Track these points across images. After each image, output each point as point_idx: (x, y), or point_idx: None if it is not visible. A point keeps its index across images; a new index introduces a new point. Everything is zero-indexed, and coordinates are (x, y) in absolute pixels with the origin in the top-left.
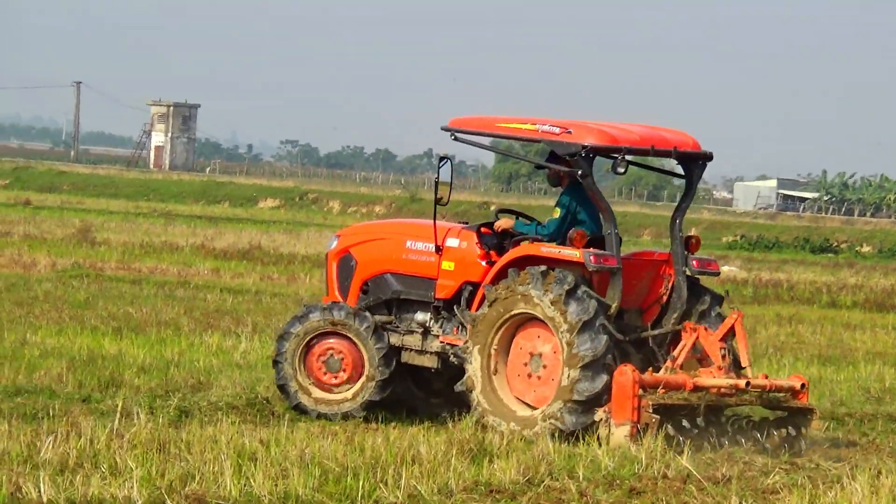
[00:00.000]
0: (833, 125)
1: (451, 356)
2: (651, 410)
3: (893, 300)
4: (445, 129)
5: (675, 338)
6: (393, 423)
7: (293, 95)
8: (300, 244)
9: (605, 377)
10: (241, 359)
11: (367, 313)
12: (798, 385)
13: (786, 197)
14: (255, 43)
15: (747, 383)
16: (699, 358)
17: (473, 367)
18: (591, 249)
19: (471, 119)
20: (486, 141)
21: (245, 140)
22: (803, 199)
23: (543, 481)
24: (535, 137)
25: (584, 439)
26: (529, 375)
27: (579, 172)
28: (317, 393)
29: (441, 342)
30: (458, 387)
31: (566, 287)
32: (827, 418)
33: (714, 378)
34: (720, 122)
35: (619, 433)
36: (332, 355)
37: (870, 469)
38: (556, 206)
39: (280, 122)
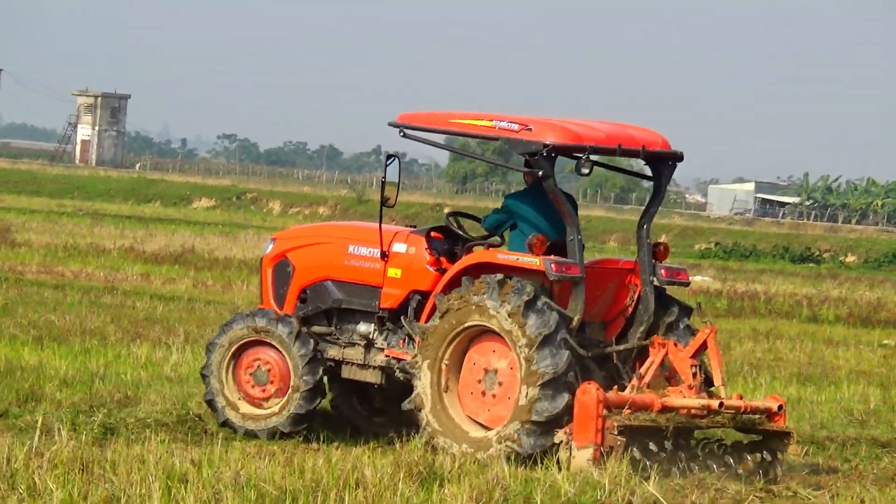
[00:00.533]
0: (816, 124)
1: (398, 371)
2: (616, 433)
3: (879, 315)
4: (394, 126)
5: (642, 353)
6: (336, 444)
7: (231, 86)
8: (237, 248)
9: (566, 396)
10: (171, 372)
11: (292, 318)
12: (775, 406)
13: (764, 201)
14: (189, 29)
15: (720, 404)
16: (668, 375)
17: (422, 384)
18: (552, 257)
19: (421, 114)
20: (440, 138)
21: (179, 134)
22: (783, 204)
23: None
24: (491, 135)
25: (542, 462)
26: (483, 393)
27: (540, 173)
28: (245, 408)
29: (386, 356)
30: (406, 405)
31: (525, 298)
32: (806, 442)
33: (684, 398)
34: (693, 120)
35: (582, 457)
36: (259, 367)
37: (852, 497)
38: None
39: (217, 115)
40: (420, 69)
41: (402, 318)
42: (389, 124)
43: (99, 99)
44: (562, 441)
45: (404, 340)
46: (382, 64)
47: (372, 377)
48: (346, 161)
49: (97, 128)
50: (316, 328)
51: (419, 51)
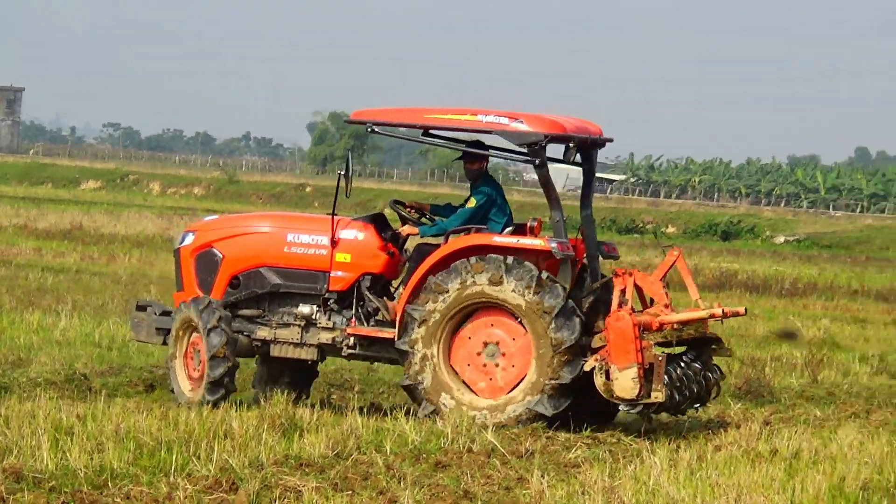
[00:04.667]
0: (640, 108)
1: (345, 347)
2: (653, 350)
3: (696, 279)
4: (358, 122)
5: (593, 307)
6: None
7: (115, 79)
8: (120, 224)
9: (581, 360)
10: (60, 336)
11: (216, 309)
12: (742, 310)
13: None
14: (78, 26)
15: (723, 311)
16: (620, 302)
17: (421, 358)
18: (553, 237)
19: (390, 111)
20: (412, 132)
21: (68, 123)
22: (611, 181)
23: (352, 455)
24: (479, 128)
25: (391, 414)
26: (485, 364)
27: (537, 161)
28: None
29: (350, 333)
30: (405, 381)
31: (534, 276)
32: None
33: (690, 312)
34: (529, 103)
35: (626, 377)
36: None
37: (669, 443)
38: (472, 196)
39: (103, 105)
40: (283, 59)
41: (366, 296)
42: (351, 121)
43: None
44: (593, 367)
45: (354, 318)
46: (251, 56)
47: (307, 354)
48: (219, 146)
49: None
50: (245, 311)
51: (285, 43)
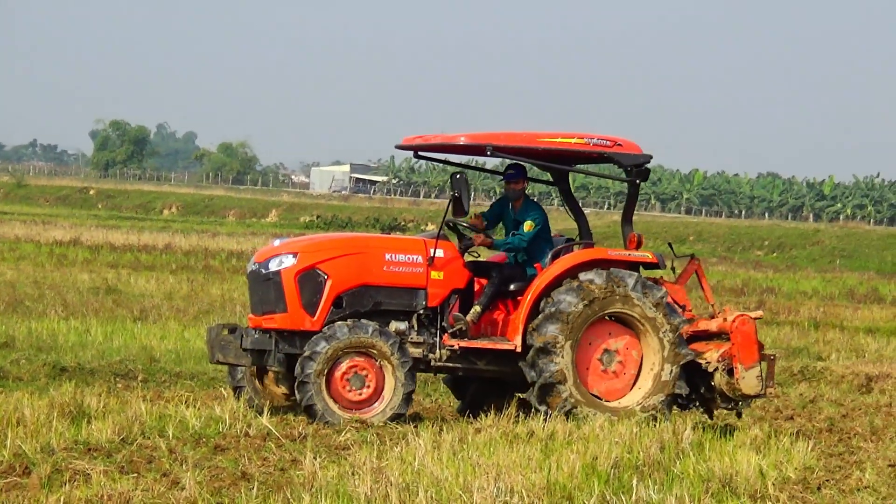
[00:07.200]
0: (393, 114)
1: (441, 359)
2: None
3: None
4: (475, 147)
5: None
6: None
7: None
8: None
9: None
10: None
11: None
12: None
13: (358, 180)
14: None
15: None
16: None
17: (564, 361)
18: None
19: (504, 135)
20: (525, 155)
21: None
22: (374, 182)
23: (137, 440)
24: (586, 150)
25: (173, 402)
26: (604, 370)
27: (638, 182)
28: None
29: (460, 346)
30: (548, 379)
31: (664, 294)
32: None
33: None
34: (298, 107)
35: (752, 375)
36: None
37: (432, 426)
38: (528, 220)
39: None
40: (68, 67)
41: (448, 311)
42: (488, 150)
43: None
44: (715, 368)
45: (445, 332)
46: (37, 63)
47: None
48: (7, 153)
49: None
50: None
51: (71, 51)
